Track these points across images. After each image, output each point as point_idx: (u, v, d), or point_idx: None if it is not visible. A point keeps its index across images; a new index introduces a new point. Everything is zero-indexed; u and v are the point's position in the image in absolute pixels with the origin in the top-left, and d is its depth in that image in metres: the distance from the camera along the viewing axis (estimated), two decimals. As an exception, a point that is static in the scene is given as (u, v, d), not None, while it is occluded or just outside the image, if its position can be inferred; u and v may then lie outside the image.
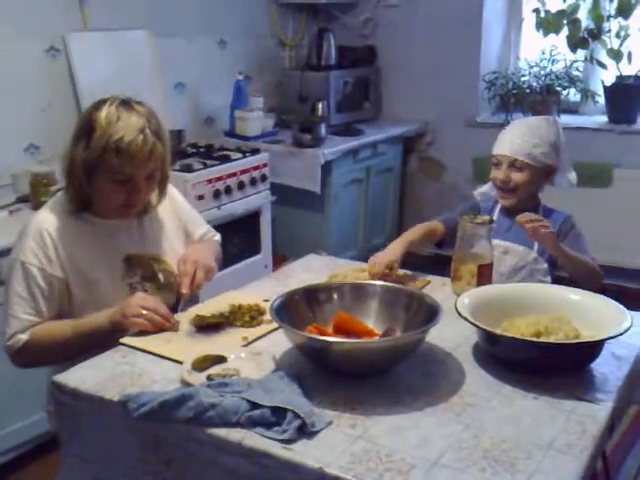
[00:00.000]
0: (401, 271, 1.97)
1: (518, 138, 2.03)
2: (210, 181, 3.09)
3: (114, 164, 1.61)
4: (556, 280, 2.00)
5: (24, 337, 1.66)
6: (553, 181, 2.12)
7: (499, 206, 2.12)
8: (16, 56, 2.86)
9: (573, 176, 2.13)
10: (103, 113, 1.62)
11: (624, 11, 3.68)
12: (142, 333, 1.64)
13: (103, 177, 1.65)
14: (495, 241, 1.94)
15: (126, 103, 1.66)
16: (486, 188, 2.19)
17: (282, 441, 1.22)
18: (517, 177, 2.03)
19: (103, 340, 1.63)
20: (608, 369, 1.48)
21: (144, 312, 1.63)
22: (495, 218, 2.06)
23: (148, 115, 1.67)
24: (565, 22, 3.82)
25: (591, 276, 1.92)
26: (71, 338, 1.66)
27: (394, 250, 1.94)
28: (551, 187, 2.16)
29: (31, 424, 2.42)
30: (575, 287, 1.69)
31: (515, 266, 2.03)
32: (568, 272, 1.97)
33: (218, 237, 2.06)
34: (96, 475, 1.46)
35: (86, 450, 1.46)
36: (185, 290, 1.73)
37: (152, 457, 1.36)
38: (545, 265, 2.02)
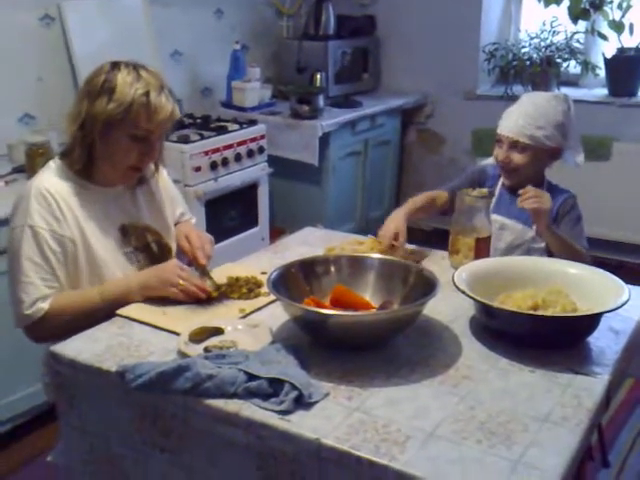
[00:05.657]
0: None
1: (522, 119, 1.95)
2: (207, 153, 3.07)
3: (140, 118, 1.63)
4: None
5: (45, 306, 1.62)
6: (561, 159, 2.06)
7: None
8: (10, 25, 2.82)
9: (581, 157, 2.08)
10: (123, 72, 1.64)
11: (627, -18, 3.63)
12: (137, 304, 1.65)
13: (122, 133, 1.65)
14: (493, 216, 1.92)
15: (140, 65, 1.69)
16: (492, 160, 2.16)
17: (279, 412, 1.23)
18: (518, 158, 1.98)
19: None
20: (605, 342, 1.49)
21: (181, 282, 1.64)
22: (497, 191, 2.04)
23: (161, 78, 1.70)
24: (567, -7, 3.77)
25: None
26: (98, 305, 1.64)
27: (397, 219, 1.89)
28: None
29: (29, 395, 2.42)
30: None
31: (512, 243, 2.01)
32: (554, 253, 1.94)
33: (194, 220, 2.06)
34: (94, 445, 1.47)
35: (84, 420, 1.47)
36: (203, 261, 1.78)
37: (150, 428, 1.36)
38: (543, 244, 1.99)
